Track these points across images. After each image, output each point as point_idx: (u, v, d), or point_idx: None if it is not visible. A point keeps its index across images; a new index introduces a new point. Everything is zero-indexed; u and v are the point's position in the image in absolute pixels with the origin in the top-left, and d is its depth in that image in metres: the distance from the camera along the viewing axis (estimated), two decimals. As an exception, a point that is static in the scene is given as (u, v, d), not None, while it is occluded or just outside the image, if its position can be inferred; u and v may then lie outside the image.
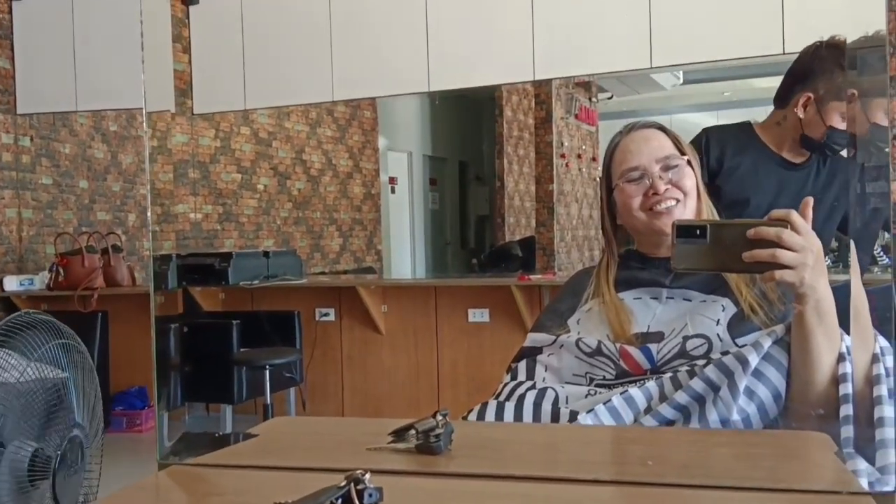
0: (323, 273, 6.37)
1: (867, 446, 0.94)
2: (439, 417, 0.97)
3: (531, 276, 4.56)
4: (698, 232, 1.04)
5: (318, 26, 4.73)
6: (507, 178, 9.17)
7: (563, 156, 7.07)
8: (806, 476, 0.79)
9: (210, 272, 4.79)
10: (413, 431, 0.95)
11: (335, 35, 4.73)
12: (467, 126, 9.62)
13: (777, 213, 1.04)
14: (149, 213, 6.33)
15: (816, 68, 1.75)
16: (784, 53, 4.18)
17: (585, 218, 8.48)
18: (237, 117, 6.11)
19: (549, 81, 6.05)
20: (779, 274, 1.02)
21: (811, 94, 1.76)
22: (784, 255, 1.02)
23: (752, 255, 1.02)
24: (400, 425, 0.97)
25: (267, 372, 4.11)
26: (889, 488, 0.80)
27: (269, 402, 4.08)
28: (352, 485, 0.74)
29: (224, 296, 5.00)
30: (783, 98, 1.83)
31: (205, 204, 5.93)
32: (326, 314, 4.87)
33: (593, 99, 8.43)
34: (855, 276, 1.11)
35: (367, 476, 0.76)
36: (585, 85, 8.26)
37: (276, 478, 0.88)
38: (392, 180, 8.24)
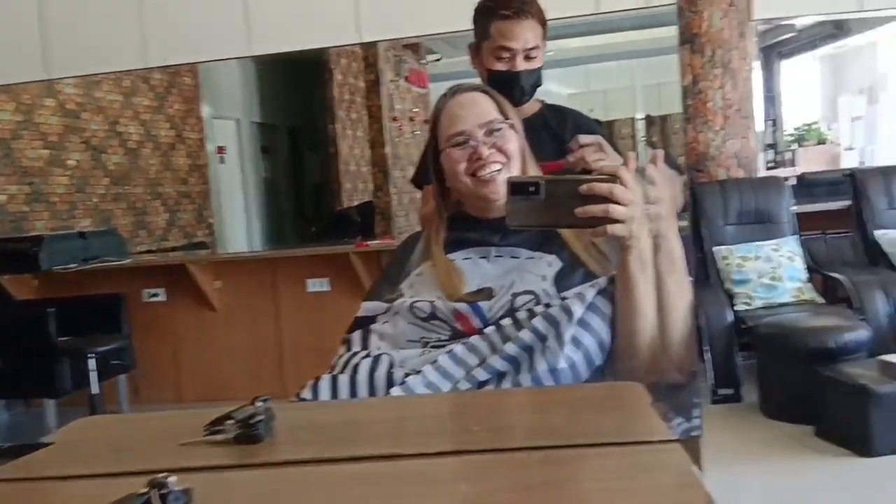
0: (150, 251, 6.01)
1: (677, 394, 0.99)
2: (259, 403, 0.92)
3: (369, 242, 4.53)
4: (532, 188, 1.04)
5: (124, -13, 4.40)
6: (342, 144, 9.02)
7: (395, 119, 7.03)
8: (619, 429, 0.81)
9: (19, 258, 4.44)
10: (231, 421, 0.90)
11: (144, -3, 4.42)
12: (296, 91, 9.34)
13: (607, 168, 1.06)
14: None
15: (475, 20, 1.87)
16: (598, 13, 4.34)
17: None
18: (40, 88, 5.59)
19: (376, 44, 5.96)
20: (610, 228, 1.05)
21: (469, 44, 1.89)
22: (616, 210, 1.04)
23: (586, 210, 1.04)
24: (216, 416, 0.91)
25: (92, 360, 3.86)
26: (696, 434, 0.83)
27: (96, 391, 3.83)
28: (153, 490, 0.68)
29: (38, 282, 4.62)
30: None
31: (8, 184, 5.43)
32: (155, 294, 4.62)
33: (422, 61, 8.41)
34: (672, 226, 1.15)
35: (172, 478, 0.70)
36: (413, 47, 8.23)
37: (74, 488, 0.80)
38: (220, 150, 7.86)
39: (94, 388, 3.85)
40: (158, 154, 6.80)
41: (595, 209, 1.04)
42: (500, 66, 1.78)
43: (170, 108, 7.00)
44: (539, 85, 1.84)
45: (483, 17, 1.82)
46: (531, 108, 1.88)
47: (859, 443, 3.13)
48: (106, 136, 6.28)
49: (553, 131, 1.82)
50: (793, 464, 3.15)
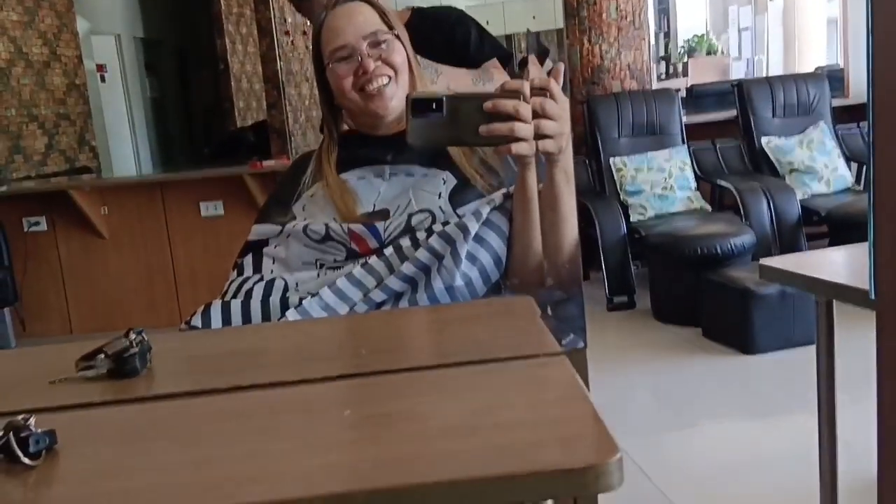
0: (28, 178, 5.64)
1: (564, 306, 0.99)
2: (133, 335, 0.87)
3: (264, 163, 4.39)
4: (434, 106, 0.99)
5: None
6: (232, 60, 8.62)
7: (287, 33, 6.73)
8: (506, 344, 0.81)
9: None
10: (102, 356, 0.85)
11: None
12: (181, 3, 8.82)
13: (511, 84, 1.02)
14: None
15: None
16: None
17: (317, 97, 8.22)
18: None
19: (262, -49, 5.65)
20: (515, 147, 1.02)
21: None
22: (521, 129, 1.01)
23: (491, 129, 1.00)
24: (87, 351, 0.86)
25: (-31, 296, 3.64)
26: (580, 345, 0.84)
27: (-24, 328, 3.64)
28: (10, 434, 0.64)
29: None
30: None
31: None
32: (36, 223, 4.36)
33: (313, -30, 8.06)
34: (569, 141, 1.14)
35: (32, 420, 0.65)
36: (304, -45, 7.88)
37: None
38: (100, 68, 7.36)
39: (-25, 324, 3.65)
40: (32, 73, 6.31)
41: (500, 128, 1.00)
42: None
43: (42, 22, 6.47)
44: None
45: None
46: (401, 18, 1.81)
47: (742, 342, 3.31)
48: (-30, 55, 5.79)
49: (424, 38, 1.76)
50: (681, 363, 3.32)
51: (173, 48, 9.15)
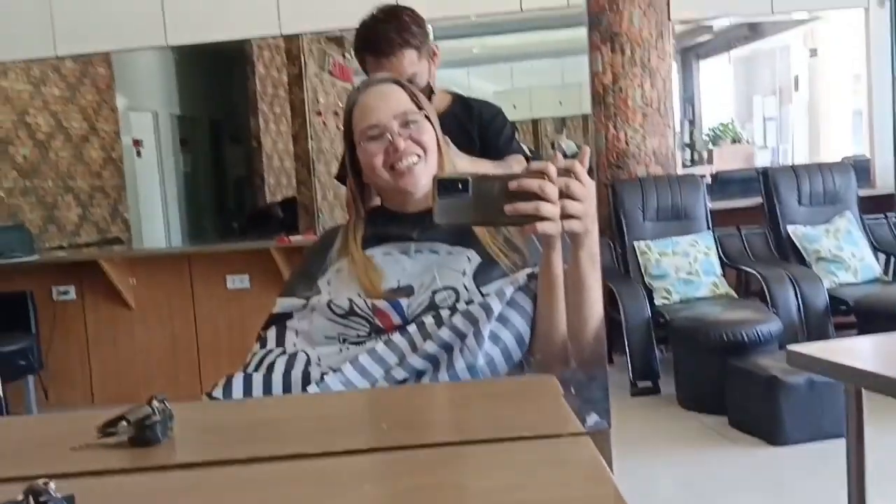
0: (61, 247, 5.75)
1: (587, 386, 0.98)
2: (156, 403, 0.87)
3: (291, 238, 4.45)
4: (461, 186, 1.01)
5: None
6: (265, 138, 8.83)
7: (319, 113, 6.91)
8: (531, 422, 0.80)
9: (-80, 255, 4.19)
10: (124, 423, 0.85)
11: (53, -18, 4.25)
12: (218, 83, 9.09)
13: (536, 165, 1.05)
14: None
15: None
16: (521, 11, 4.36)
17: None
18: (-61, 76, 5.29)
19: (297, 36, 5.87)
20: (540, 227, 1.03)
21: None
22: (545, 208, 1.02)
23: (516, 208, 1.01)
24: (109, 417, 0.86)
25: (-5, 362, 3.67)
26: (605, 426, 0.83)
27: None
28: (30, 497, 0.64)
29: (-63, 281, 4.37)
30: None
31: None
32: (65, 292, 4.43)
33: (346, 55, 8.30)
34: (595, 223, 1.15)
35: (52, 485, 0.65)
36: (337, 40, 8.11)
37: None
38: (136, 143, 7.58)
39: (-2, 390, 3.66)
40: (70, 147, 6.51)
41: (526, 207, 1.02)
42: None
43: (82, 98, 6.71)
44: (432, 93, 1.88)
45: (358, 53, 1.91)
46: (441, 102, 1.90)
47: (770, 432, 3.23)
48: (13, 128, 5.99)
49: (461, 125, 1.84)
50: (706, 453, 3.23)
51: (208, 125, 9.42)
